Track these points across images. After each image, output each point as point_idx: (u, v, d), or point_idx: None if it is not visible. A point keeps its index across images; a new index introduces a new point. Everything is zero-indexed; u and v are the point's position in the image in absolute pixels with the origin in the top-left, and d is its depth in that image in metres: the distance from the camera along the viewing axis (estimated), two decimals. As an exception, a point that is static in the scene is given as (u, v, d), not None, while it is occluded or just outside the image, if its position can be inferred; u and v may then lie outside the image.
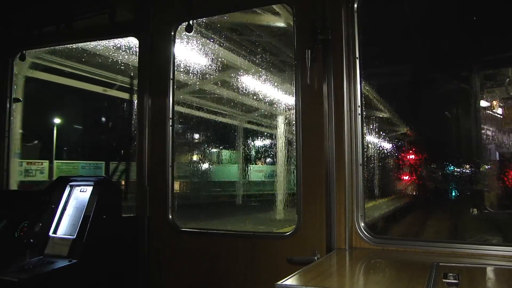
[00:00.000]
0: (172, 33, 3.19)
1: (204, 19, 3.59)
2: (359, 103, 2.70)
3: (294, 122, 2.80)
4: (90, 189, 2.93)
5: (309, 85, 2.69)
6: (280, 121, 8.40)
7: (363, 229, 2.61)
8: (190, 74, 5.39)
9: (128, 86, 5.67)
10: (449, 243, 2.44)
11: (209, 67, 5.97)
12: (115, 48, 4.50)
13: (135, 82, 3.34)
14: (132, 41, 3.80)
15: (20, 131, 4.60)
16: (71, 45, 3.99)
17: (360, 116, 2.71)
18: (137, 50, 3.34)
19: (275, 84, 7.10)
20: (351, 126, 2.69)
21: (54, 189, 3.06)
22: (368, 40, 2.79)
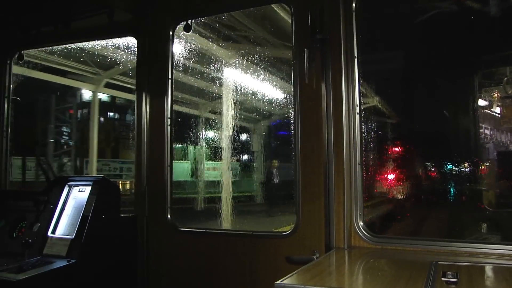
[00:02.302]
0: (171, 33, 3.19)
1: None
2: (357, 102, 2.70)
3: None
4: (88, 189, 2.92)
5: (307, 84, 2.69)
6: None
7: (362, 228, 2.61)
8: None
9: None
10: (448, 242, 2.44)
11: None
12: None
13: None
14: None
15: None
16: (69, 45, 3.99)
17: (358, 115, 2.70)
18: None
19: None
20: (349, 125, 2.69)
21: (53, 189, 3.05)
22: (366, 38, 2.78)
